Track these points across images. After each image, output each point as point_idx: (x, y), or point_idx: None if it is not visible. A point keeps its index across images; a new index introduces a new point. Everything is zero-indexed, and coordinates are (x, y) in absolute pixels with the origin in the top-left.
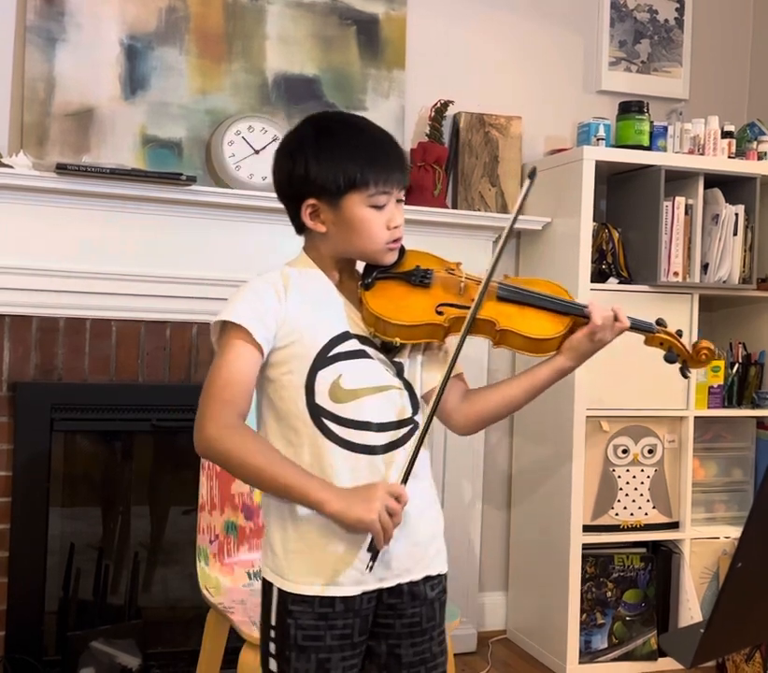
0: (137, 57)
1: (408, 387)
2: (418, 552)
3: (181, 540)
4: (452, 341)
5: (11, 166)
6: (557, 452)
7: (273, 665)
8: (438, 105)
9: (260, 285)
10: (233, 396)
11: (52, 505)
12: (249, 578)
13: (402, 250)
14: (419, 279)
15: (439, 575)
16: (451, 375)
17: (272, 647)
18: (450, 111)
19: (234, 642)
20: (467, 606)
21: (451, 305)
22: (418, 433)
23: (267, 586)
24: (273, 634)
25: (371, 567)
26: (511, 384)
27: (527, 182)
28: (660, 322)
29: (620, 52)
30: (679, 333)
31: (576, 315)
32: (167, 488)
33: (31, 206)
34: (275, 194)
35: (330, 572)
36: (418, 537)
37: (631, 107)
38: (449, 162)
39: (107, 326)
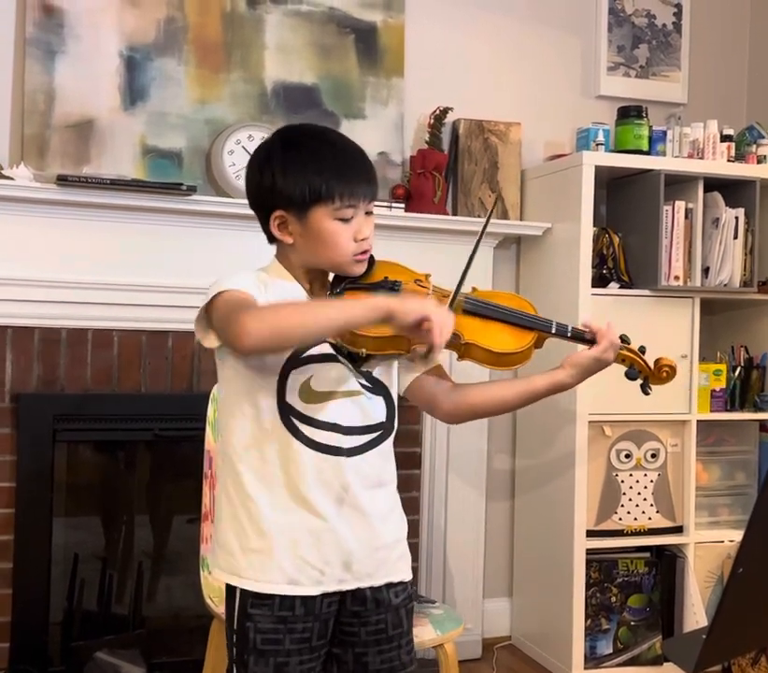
0: (137, 68)
1: (383, 391)
2: (380, 556)
3: (185, 549)
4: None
5: (12, 178)
6: (560, 458)
7: (234, 670)
8: (437, 112)
9: (242, 273)
10: (248, 303)
11: (56, 515)
12: None
13: (371, 261)
14: (388, 290)
15: (402, 582)
16: None
17: (233, 652)
18: (449, 118)
19: None
20: (472, 612)
21: None
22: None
23: (230, 589)
24: (234, 638)
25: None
26: (506, 386)
27: (488, 215)
28: (624, 339)
29: (619, 57)
30: (642, 349)
31: (540, 330)
32: (170, 497)
33: (32, 217)
34: None
35: (290, 571)
36: (380, 541)
37: (630, 112)
38: (449, 168)
39: (109, 337)
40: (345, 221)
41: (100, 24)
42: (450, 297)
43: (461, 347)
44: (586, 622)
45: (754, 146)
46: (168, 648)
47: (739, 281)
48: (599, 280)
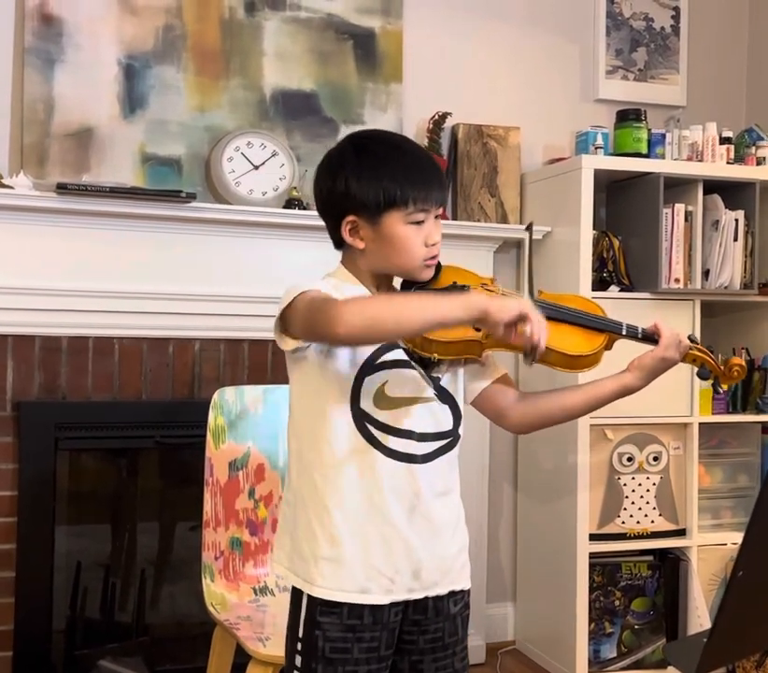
0: (135, 76)
1: (449, 400)
2: (445, 566)
3: (188, 556)
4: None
5: (12, 187)
6: (562, 462)
7: None
8: (436, 117)
9: (316, 280)
10: (335, 298)
11: (58, 523)
12: (255, 594)
13: (438, 267)
14: None
15: (463, 590)
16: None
17: (298, 660)
18: (448, 123)
19: (241, 658)
20: (475, 617)
21: None
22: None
23: (297, 594)
24: (299, 646)
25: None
26: (575, 392)
27: (527, 234)
28: (692, 339)
29: (617, 61)
30: (711, 349)
31: (612, 332)
32: (172, 504)
33: (32, 226)
34: (275, 210)
35: (361, 579)
36: (447, 551)
37: (628, 115)
38: (448, 173)
39: (110, 344)
40: (417, 225)
41: (99, 33)
42: (525, 292)
43: None
44: (590, 625)
45: (753, 148)
46: (171, 655)
47: (739, 283)
48: (599, 284)
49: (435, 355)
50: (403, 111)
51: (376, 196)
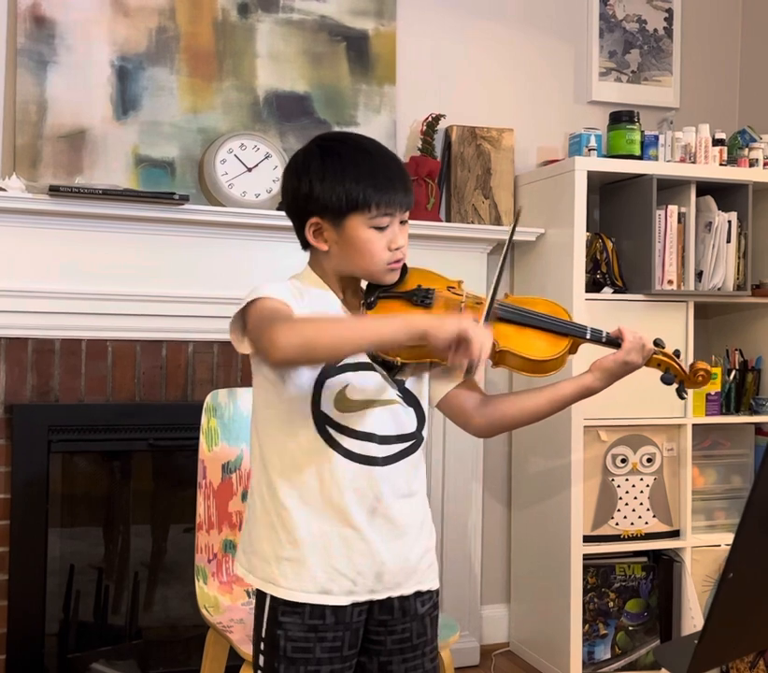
0: (128, 78)
1: (414, 403)
2: (410, 567)
3: (181, 559)
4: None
5: (4, 189)
6: (556, 463)
7: None
8: (429, 119)
9: (277, 282)
10: (282, 314)
11: (51, 526)
12: (248, 596)
13: (404, 269)
14: (421, 298)
15: (430, 591)
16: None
17: (261, 660)
18: (442, 125)
19: (234, 661)
20: (469, 619)
21: None
22: (494, 278)
23: (261, 596)
24: (263, 646)
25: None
26: (535, 395)
27: (514, 219)
28: (658, 343)
29: (610, 63)
30: (677, 353)
31: (576, 336)
32: (166, 507)
33: (25, 228)
34: (268, 211)
35: (322, 580)
36: (413, 552)
37: (621, 117)
38: (442, 175)
39: (103, 347)
40: (380, 229)
41: (92, 34)
42: (484, 311)
43: (495, 354)
44: (584, 627)
45: (746, 149)
46: (165, 658)
47: (732, 285)
48: (593, 285)
49: (398, 359)
50: (396, 113)
51: (339, 199)
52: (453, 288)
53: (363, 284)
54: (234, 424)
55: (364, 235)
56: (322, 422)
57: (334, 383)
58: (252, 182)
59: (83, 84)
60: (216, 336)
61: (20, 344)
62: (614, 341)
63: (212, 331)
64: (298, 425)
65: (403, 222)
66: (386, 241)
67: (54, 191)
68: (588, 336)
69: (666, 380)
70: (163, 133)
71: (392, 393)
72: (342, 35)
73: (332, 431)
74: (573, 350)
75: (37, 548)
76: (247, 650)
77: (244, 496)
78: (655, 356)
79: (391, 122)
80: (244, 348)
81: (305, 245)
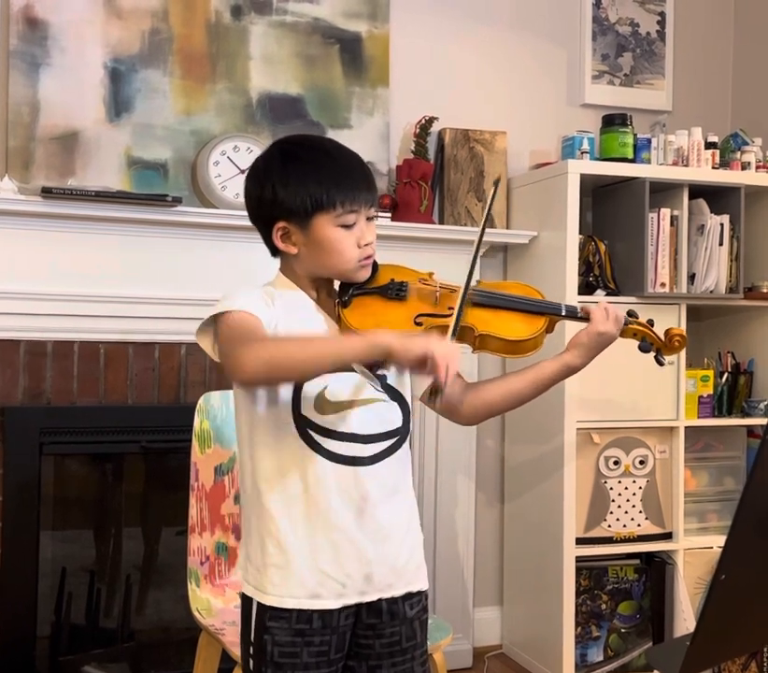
0: (121, 79)
1: (397, 397)
2: (399, 567)
3: (173, 562)
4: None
5: None
6: (548, 465)
7: None
8: (423, 121)
9: (248, 289)
10: (251, 336)
11: (43, 528)
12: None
13: (375, 265)
14: (395, 292)
15: (420, 592)
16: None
17: (250, 664)
18: (435, 127)
19: (226, 663)
20: (462, 621)
21: (429, 315)
22: (459, 298)
23: (246, 601)
24: (251, 650)
25: (437, 400)
26: (518, 377)
27: (492, 189)
28: (631, 314)
29: (603, 66)
30: (651, 322)
31: (551, 314)
32: (158, 509)
33: (17, 230)
34: None
35: (311, 585)
36: (401, 552)
37: (614, 120)
38: (435, 178)
39: (95, 349)
40: (347, 227)
41: (84, 36)
42: (452, 324)
43: (475, 339)
44: (576, 629)
45: (738, 153)
46: (157, 661)
47: (725, 288)
48: (585, 288)
49: None
50: (389, 115)
51: (303, 201)
52: (425, 279)
53: (336, 284)
54: (227, 427)
55: (332, 234)
56: (304, 426)
57: (311, 387)
58: None
59: (76, 86)
60: None
61: (11, 346)
62: (589, 316)
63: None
64: (280, 431)
65: (370, 219)
66: (354, 239)
67: (47, 192)
68: (563, 313)
69: (644, 349)
70: (155, 135)
71: (372, 391)
72: (335, 38)
73: (314, 434)
74: (550, 328)
75: (29, 550)
76: (238, 652)
77: (236, 499)
78: (630, 326)
79: (384, 125)
80: (216, 356)
81: (275, 251)
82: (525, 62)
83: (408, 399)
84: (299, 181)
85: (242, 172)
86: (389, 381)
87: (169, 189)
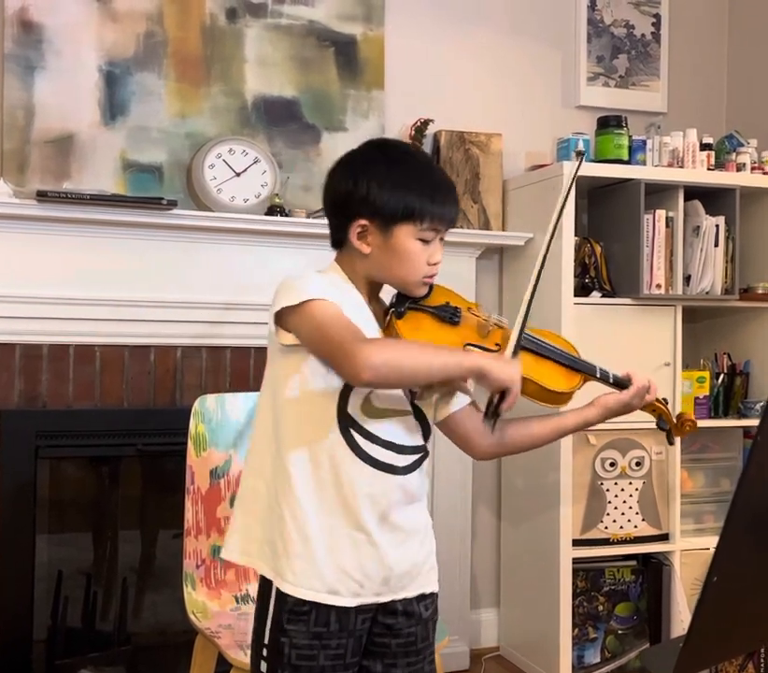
0: (116, 82)
1: (420, 417)
2: (415, 571)
3: (170, 565)
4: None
5: None
6: (545, 467)
7: None
8: (418, 123)
9: (313, 277)
10: (356, 331)
11: (39, 532)
12: (236, 601)
13: (430, 285)
14: (449, 315)
15: (432, 593)
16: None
17: (263, 666)
18: (430, 130)
19: (223, 666)
20: (459, 623)
21: (477, 345)
22: (521, 313)
23: (265, 588)
24: (265, 652)
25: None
26: (540, 424)
27: (576, 163)
28: (663, 401)
29: (598, 67)
30: (665, 401)
31: (587, 374)
32: (155, 512)
33: (12, 233)
34: (257, 216)
35: (330, 580)
36: (418, 556)
37: (609, 122)
38: None
39: (91, 352)
40: (425, 242)
41: (79, 39)
42: (515, 331)
43: None
44: (573, 631)
45: (733, 154)
46: (154, 664)
47: (720, 289)
48: (581, 290)
49: None
50: (385, 118)
51: (396, 206)
52: (472, 309)
53: (387, 293)
54: (223, 430)
55: (411, 245)
56: (346, 424)
57: (362, 388)
58: (241, 187)
59: (71, 89)
60: (204, 341)
61: (7, 349)
62: (620, 382)
63: (201, 336)
64: (323, 424)
65: (442, 240)
66: (427, 255)
67: (42, 196)
68: (597, 375)
69: (660, 427)
70: (151, 138)
71: (408, 405)
72: (330, 40)
73: (354, 434)
74: (581, 385)
75: (25, 554)
76: (235, 655)
77: (232, 502)
78: (654, 403)
79: (379, 127)
80: (286, 338)
81: (339, 244)
82: (520, 64)
83: (431, 420)
84: (399, 187)
85: (237, 175)
86: (414, 401)
87: (164, 192)
